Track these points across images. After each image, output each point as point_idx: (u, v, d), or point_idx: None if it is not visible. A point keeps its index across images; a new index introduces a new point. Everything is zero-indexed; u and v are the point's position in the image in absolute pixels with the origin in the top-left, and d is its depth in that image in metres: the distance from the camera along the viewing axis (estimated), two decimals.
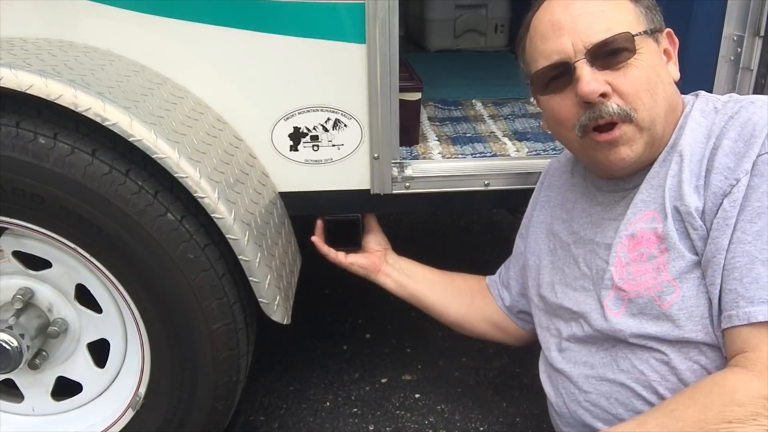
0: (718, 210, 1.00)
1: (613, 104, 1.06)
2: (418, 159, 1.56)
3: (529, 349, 1.32)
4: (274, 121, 1.42)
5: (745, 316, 0.96)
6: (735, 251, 0.98)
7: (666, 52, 1.15)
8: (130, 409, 1.44)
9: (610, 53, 1.06)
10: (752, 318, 0.96)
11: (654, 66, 1.09)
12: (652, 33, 1.11)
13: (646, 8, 1.12)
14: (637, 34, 1.07)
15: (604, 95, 1.06)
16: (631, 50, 1.06)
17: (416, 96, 1.60)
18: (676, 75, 1.15)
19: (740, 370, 0.96)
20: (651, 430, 0.96)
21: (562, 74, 1.10)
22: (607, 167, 1.14)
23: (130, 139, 1.18)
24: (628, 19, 1.09)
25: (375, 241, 1.61)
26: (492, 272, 1.59)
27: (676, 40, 1.17)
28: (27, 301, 1.39)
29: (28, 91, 1.13)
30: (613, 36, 1.06)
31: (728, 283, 0.99)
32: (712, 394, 0.95)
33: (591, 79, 1.06)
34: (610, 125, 1.08)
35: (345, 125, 1.43)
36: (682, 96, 1.17)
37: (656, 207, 1.09)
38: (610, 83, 1.06)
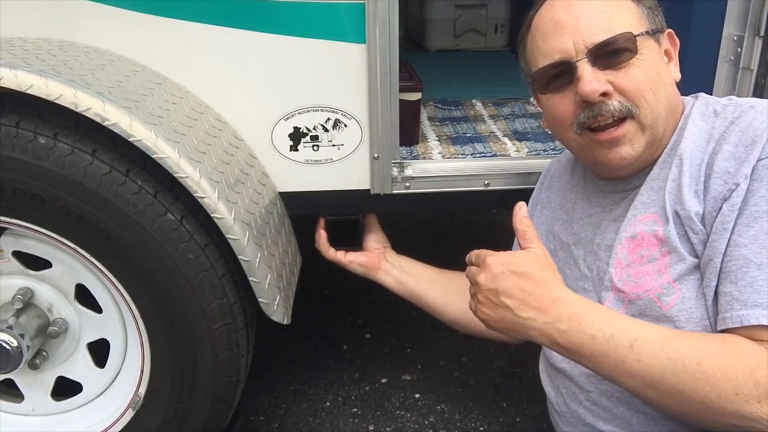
0: (717, 214, 1.00)
1: (615, 102, 1.06)
2: (418, 159, 1.56)
3: (529, 349, 1.32)
4: (274, 121, 1.42)
5: (738, 319, 0.96)
6: (731, 254, 0.98)
7: (667, 52, 1.15)
8: (130, 409, 1.44)
9: (611, 53, 1.06)
10: (745, 321, 0.95)
11: (656, 66, 1.09)
12: (654, 33, 1.11)
13: (648, 9, 1.12)
14: (638, 35, 1.07)
15: (605, 95, 1.06)
16: (633, 50, 1.06)
17: (416, 96, 1.60)
18: (677, 76, 1.15)
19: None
20: (669, 355, 0.93)
21: (562, 73, 1.10)
22: (607, 166, 1.14)
23: (130, 139, 1.18)
24: (630, 20, 1.09)
25: (375, 239, 1.61)
26: None
27: (677, 41, 1.18)
28: (27, 301, 1.39)
29: (28, 91, 1.13)
30: (614, 36, 1.06)
31: (724, 285, 0.99)
32: (738, 360, 0.92)
33: (592, 79, 1.06)
34: (611, 124, 1.08)
35: (345, 125, 1.43)
36: (682, 97, 1.17)
37: (656, 210, 1.09)
38: (612, 82, 1.06)
